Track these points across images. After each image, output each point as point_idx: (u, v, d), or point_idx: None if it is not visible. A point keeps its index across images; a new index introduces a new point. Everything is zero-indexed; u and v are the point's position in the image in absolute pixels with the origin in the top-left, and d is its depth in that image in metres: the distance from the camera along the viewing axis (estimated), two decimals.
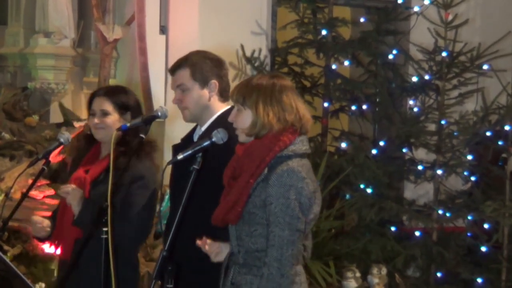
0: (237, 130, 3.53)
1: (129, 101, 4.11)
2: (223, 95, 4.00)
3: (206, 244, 3.56)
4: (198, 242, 3.56)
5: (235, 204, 3.44)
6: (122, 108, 4.08)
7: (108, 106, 4.07)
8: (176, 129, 4.16)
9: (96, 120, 4.07)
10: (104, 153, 4.12)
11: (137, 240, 4.14)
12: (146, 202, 4.00)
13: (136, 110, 4.12)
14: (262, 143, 3.45)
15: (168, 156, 4.14)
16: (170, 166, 3.86)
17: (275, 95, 3.47)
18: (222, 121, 3.77)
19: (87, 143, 4.18)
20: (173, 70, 4.00)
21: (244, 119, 3.49)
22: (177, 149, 3.97)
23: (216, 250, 3.58)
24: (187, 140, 4.02)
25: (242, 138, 3.53)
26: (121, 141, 3.99)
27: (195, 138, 4.00)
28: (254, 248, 3.45)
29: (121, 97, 4.10)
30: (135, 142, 3.88)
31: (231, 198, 3.45)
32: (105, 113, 4.06)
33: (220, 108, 3.99)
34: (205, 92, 3.96)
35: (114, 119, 4.06)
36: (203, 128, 3.97)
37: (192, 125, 4.11)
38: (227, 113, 3.88)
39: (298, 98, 3.55)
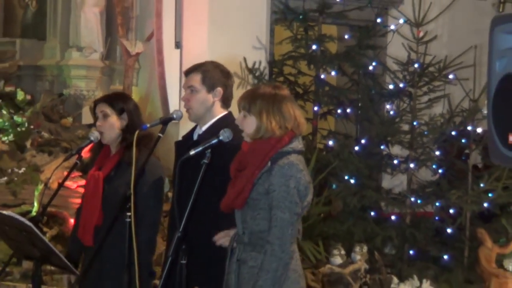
0: (243, 133, 3.53)
1: (125, 104, 4.09)
2: (225, 102, 3.95)
3: (219, 239, 3.62)
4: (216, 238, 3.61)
5: (242, 191, 3.44)
6: (119, 110, 4.07)
7: (107, 109, 4.06)
8: (189, 129, 4.15)
9: (98, 123, 4.09)
10: (113, 151, 4.11)
11: (151, 237, 4.02)
12: (152, 198, 3.95)
13: (132, 111, 4.09)
14: (265, 142, 3.46)
15: None
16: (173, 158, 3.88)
17: (277, 105, 3.46)
18: (221, 125, 3.73)
19: (99, 145, 4.15)
20: (188, 72, 3.96)
21: (249, 125, 3.49)
22: (179, 144, 3.98)
23: (224, 237, 3.61)
24: (187, 138, 4.00)
25: (247, 140, 3.53)
26: (122, 140, 4.03)
27: (195, 136, 3.96)
28: (257, 229, 3.45)
29: (118, 101, 4.09)
30: (139, 136, 3.81)
31: (238, 186, 3.46)
32: (105, 115, 4.06)
33: (220, 113, 3.93)
34: (210, 96, 3.90)
35: (113, 120, 4.05)
36: (204, 128, 3.92)
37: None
38: (225, 117, 3.90)
39: (296, 106, 3.54)
